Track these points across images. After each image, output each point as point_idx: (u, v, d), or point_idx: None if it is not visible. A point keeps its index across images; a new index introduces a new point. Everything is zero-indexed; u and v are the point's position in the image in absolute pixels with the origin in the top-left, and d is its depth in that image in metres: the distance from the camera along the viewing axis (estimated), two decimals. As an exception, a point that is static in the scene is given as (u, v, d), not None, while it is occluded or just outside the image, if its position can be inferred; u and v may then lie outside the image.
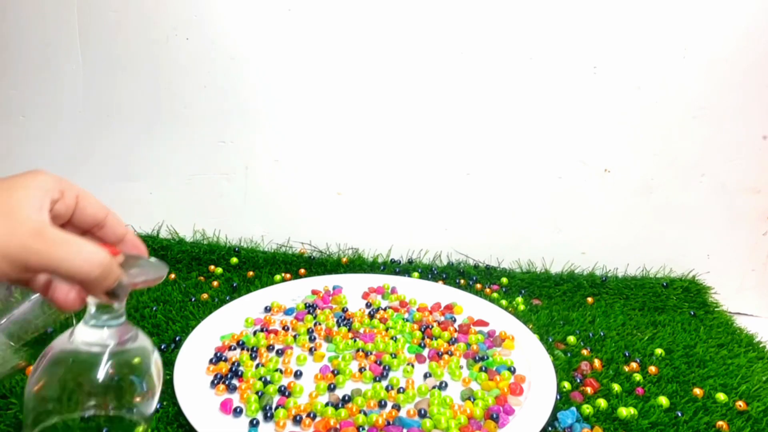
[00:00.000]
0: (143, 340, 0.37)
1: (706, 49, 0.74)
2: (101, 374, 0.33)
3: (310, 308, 0.66)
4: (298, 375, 0.54)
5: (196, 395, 0.49)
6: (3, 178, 0.30)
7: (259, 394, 0.50)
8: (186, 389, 0.49)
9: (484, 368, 0.56)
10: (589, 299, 0.76)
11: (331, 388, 0.52)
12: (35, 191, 0.30)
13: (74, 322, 0.54)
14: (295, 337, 0.61)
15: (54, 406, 0.33)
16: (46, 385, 0.33)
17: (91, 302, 0.34)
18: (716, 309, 0.77)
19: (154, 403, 0.36)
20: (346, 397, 0.50)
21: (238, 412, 0.48)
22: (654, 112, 0.77)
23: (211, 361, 0.55)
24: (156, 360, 0.37)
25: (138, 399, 0.35)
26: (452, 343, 0.61)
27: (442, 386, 0.53)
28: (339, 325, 0.63)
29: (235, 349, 0.58)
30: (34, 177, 0.31)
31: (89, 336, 0.34)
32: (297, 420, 0.47)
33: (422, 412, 0.49)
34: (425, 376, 0.55)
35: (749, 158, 0.78)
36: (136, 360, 0.35)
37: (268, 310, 0.66)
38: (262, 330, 0.62)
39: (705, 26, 0.73)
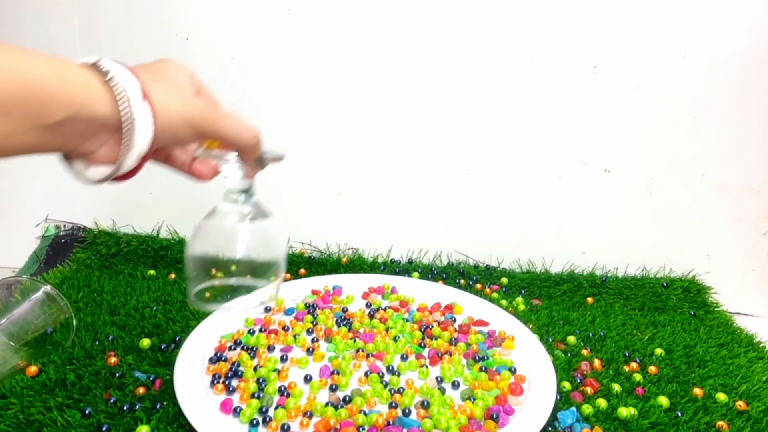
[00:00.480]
0: (273, 219, 0.43)
1: (706, 49, 0.74)
2: (239, 245, 0.40)
3: (310, 308, 0.66)
4: (297, 375, 0.54)
5: (196, 395, 0.49)
6: (145, 64, 0.37)
7: (258, 395, 0.50)
8: (186, 389, 0.49)
9: (484, 368, 0.56)
10: (589, 299, 0.76)
11: (333, 389, 0.52)
12: (186, 76, 0.38)
13: (74, 322, 0.54)
14: (295, 337, 0.61)
15: (205, 272, 0.40)
16: (195, 255, 0.41)
17: (232, 181, 0.41)
18: (716, 309, 0.77)
19: (282, 274, 0.42)
20: (347, 398, 0.50)
21: (237, 411, 0.48)
22: (654, 112, 0.77)
23: (211, 360, 0.55)
24: (282, 236, 0.43)
25: (268, 270, 0.41)
26: (452, 343, 0.61)
27: (442, 383, 0.53)
28: (339, 325, 0.63)
29: (234, 348, 0.58)
30: (176, 64, 0.39)
31: (229, 210, 0.42)
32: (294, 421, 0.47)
33: (425, 403, 0.49)
34: (424, 374, 0.55)
35: (749, 158, 0.78)
36: (267, 232, 0.42)
37: (268, 309, 0.66)
38: (262, 330, 0.62)
39: (705, 26, 0.73)
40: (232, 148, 0.38)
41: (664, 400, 0.53)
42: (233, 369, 0.54)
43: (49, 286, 0.54)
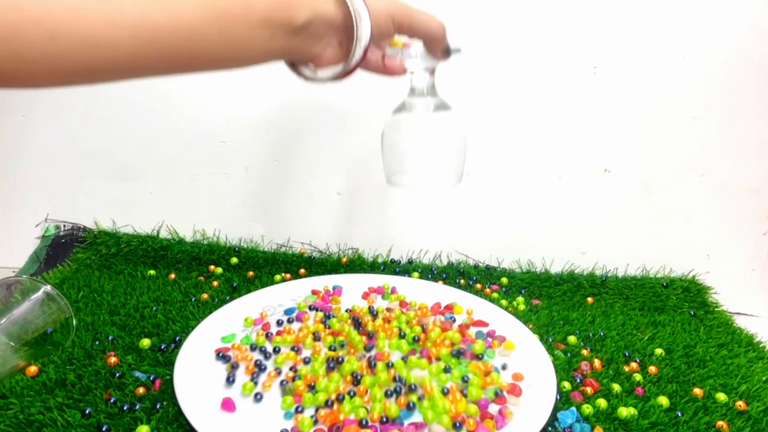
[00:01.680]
0: (454, 112, 0.50)
1: (706, 49, 0.74)
2: (427, 131, 0.49)
3: (325, 315, 0.66)
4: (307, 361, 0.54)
5: (196, 395, 0.49)
6: None
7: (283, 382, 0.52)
8: (186, 389, 0.49)
9: (482, 368, 0.56)
10: (589, 299, 0.76)
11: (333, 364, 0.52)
12: None
13: (74, 322, 0.54)
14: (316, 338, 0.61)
15: (397, 159, 0.49)
16: (388, 143, 0.50)
17: (416, 77, 0.48)
18: (716, 309, 0.77)
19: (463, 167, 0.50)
20: (351, 392, 0.51)
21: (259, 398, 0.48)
22: (654, 112, 0.77)
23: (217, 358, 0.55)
24: (463, 128, 0.50)
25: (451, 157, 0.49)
26: (452, 343, 0.61)
27: (441, 379, 0.53)
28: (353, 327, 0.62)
29: (255, 349, 0.58)
30: None
31: (415, 102, 0.50)
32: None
33: (419, 395, 0.49)
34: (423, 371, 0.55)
35: (749, 158, 0.78)
36: (449, 122, 0.49)
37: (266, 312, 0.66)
38: (266, 335, 0.61)
39: (705, 26, 0.73)
40: (424, 38, 0.44)
41: (664, 400, 0.53)
42: (234, 365, 0.54)
43: (49, 286, 0.54)
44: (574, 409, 0.51)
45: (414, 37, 0.44)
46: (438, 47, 0.45)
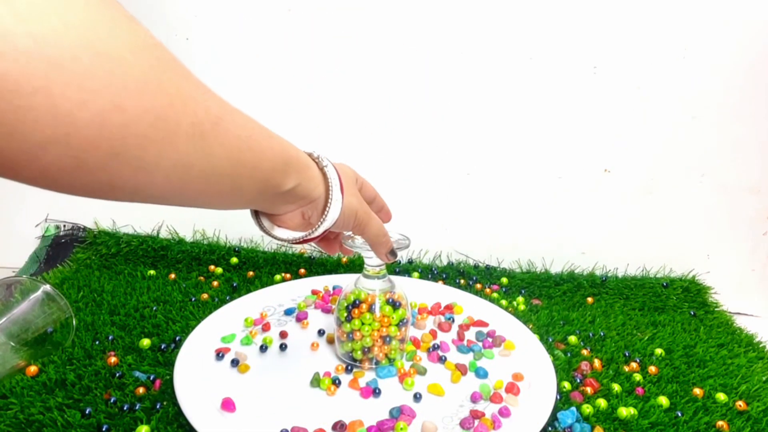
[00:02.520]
0: (401, 289, 0.56)
1: (706, 49, 0.74)
2: (376, 306, 0.54)
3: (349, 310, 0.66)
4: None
5: (196, 395, 0.49)
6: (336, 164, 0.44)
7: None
8: (186, 389, 0.49)
9: (481, 369, 0.56)
10: (589, 299, 0.76)
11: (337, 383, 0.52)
12: (355, 178, 0.48)
13: (74, 322, 0.54)
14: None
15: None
16: (338, 308, 0.55)
17: (368, 264, 0.55)
18: (716, 309, 0.77)
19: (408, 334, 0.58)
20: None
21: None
22: (654, 112, 0.77)
23: (216, 357, 0.55)
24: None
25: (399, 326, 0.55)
26: (451, 343, 0.61)
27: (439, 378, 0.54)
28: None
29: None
30: (350, 168, 0.48)
31: (368, 284, 0.55)
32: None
33: (417, 395, 0.50)
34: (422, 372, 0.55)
35: (749, 158, 0.78)
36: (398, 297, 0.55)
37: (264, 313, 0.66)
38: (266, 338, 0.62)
39: (705, 26, 0.73)
40: (370, 244, 0.48)
41: (664, 400, 0.53)
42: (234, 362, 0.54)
43: (48, 286, 0.54)
44: (574, 409, 0.51)
45: (363, 236, 0.47)
46: (381, 252, 0.49)
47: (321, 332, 0.62)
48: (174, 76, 0.26)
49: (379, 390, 0.52)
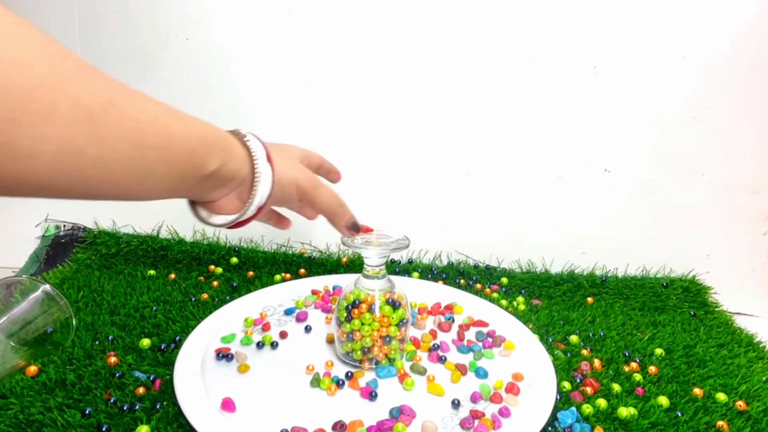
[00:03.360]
0: (401, 289, 0.56)
1: (706, 49, 0.74)
2: (376, 307, 0.54)
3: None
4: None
5: (196, 395, 0.49)
6: (270, 143, 0.42)
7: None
8: (186, 389, 0.49)
9: (481, 369, 0.56)
10: (589, 299, 0.76)
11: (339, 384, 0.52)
12: (300, 152, 0.47)
13: (74, 322, 0.54)
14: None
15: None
16: (338, 308, 0.55)
17: (368, 264, 0.54)
18: (716, 309, 0.77)
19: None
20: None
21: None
22: (654, 112, 0.77)
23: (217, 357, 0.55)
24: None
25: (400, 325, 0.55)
26: (451, 343, 0.61)
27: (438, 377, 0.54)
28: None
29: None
30: (294, 146, 0.47)
31: (367, 284, 0.55)
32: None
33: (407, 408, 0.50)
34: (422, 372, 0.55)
35: (749, 158, 0.78)
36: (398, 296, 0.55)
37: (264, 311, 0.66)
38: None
39: (705, 26, 0.73)
40: (325, 215, 0.47)
41: (664, 400, 0.53)
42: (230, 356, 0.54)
43: (48, 286, 0.54)
44: (574, 409, 0.51)
45: (315, 210, 0.46)
46: (340, 224, 0.48)
47: (308, 329, 0.62)
48: (45, 57, 0.24)
49: (376, 394, 0.52)
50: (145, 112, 0.30)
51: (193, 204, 0.41)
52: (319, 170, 0.51)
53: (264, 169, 0.39)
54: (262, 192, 0.39)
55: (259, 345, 0.59)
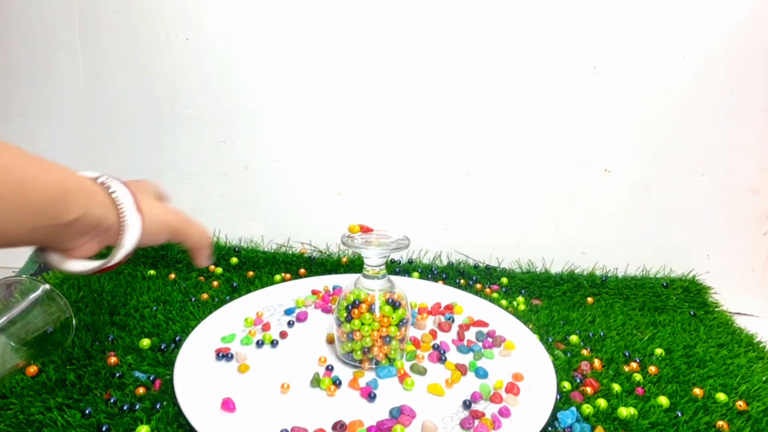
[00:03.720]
0: (400, 289, 0.56)
1: (706, 49, 0.74)
2: (376, 307, 0.54)
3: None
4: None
5: (196, 395, 0.49)
6: (129, 180, 0.42)
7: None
8: (186, 389, 0.49)
9: (481, 369, 0.56)
10: (589, 299, 0.76)
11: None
12: (156, 190, 0.46)
13: (74, 321, 0.54)
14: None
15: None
16: (338, 308, 0.55)
17: (368, 264, 0.55)
18: (716, 309, 0.77)
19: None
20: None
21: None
22: (654, 112, 0.77)
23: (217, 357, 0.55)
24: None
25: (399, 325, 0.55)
26: (451, 343, 0.61)
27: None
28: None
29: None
30: (149, 181, 0.46)
31: (367, 284, 0.55)
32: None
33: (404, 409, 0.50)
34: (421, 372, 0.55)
35: (749, 158, 0.78)
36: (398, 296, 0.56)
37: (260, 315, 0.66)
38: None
39: (705, 26, 0.73)
40: (191, 251, 0.46)
41: (664, 400, 0.53)
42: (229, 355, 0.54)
43: (48, 286, 0.54)
44: (574, 409, 0.51)
45: (184, 245, 0.46)
46: (201, 257, 0.47)
47: (288, 311, 0.63)
48: None
49: (375, 394, 0.52)
50: None
51: (43, 249, 0.39)
52: (162, 200, 0.50)
53: (132, 219, 0.39)
54: (130, 240, 0.39)
55: (259, 344, 0.59)
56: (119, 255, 0.39)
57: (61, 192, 0.34)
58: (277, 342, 0.60)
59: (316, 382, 0.53)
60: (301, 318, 0.65)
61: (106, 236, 0.39)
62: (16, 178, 0.30)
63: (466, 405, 0.50)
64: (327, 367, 0.55)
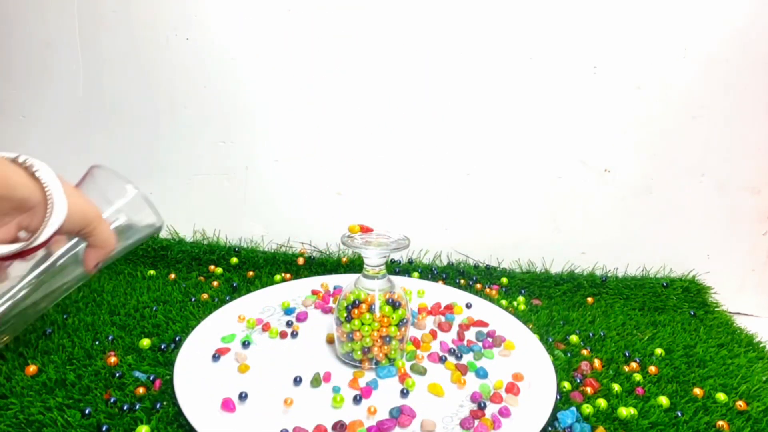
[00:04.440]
0: (401, 290, 0.57)
1: (706, 49, 0.74)
2: (376, 307, 0.54)
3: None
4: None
5: (196, 395, 0.49)
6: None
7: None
8: (186, 389, 0.49)
9: (481, 369, 0.56)
10: (589, 299, 0.76)
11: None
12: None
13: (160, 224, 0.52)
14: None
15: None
16: (338, 308, 0.55)
17: (368, 264, 0.55)
18: (716, 309, 0.77)
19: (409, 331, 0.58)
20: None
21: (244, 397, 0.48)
22: (654, 112, 0.77)
23: (214, 358, 0.55)
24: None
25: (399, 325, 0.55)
26: (451, 343, 0.61)
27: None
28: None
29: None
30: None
31: (367, 284, 0.55)
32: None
33: (404, 391, 0.50)
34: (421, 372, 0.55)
35: (749, 158, 0.78)
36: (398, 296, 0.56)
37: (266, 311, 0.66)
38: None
39: (705, 26, 0.73)
40: (91, 246, 0.43)
41: (664, 400, 0.53)
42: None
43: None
44: (574, 409, 0.51)
45: (89, 242, 0.43)
46: (95, 259, 0.44)
47: (288, 311, 0.63)
48: None
49: (375, 392, 0.52)
50: None
51: None
52: None
53: (59, 200, 0.38)
54: (55, 221, 0.37)
55: (259, 345, 0.59)
56: (44, 235, 0.37)
57: None
58: (277, 343, 0.60)
59: (316, 382, 0.53)
60: (301, 318, 0.65)
61: (28, 217, 0.38)
62: None
63: (481, 406, 0.50)
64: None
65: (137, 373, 0.52)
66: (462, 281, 0.78)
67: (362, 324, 0.53)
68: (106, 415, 0.46)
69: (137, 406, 0.48)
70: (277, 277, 0.76)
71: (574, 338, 0.63)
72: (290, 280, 0.76)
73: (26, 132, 0.81)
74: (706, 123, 0.77)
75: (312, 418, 0.48)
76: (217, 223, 0.84)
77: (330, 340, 0.60)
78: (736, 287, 0.83)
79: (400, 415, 0.49)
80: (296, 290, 0.71)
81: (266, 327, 0.62)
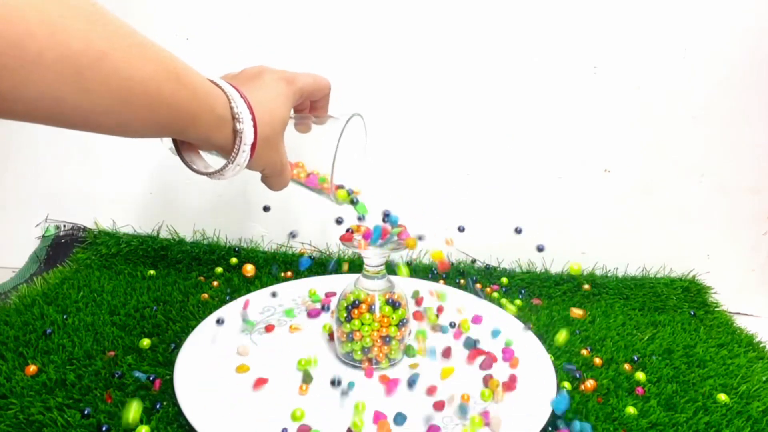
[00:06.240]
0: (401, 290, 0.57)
1: (706, 50, 0.74)
2: (376, 307, 0.54)
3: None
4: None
5: (196, 395, 0.49)
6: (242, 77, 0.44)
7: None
8: (186, 389, 0.49)
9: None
10: (586, 286, 0.76)
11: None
12: (276, 80, 0.44)
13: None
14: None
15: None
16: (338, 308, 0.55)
17: (367, 264, 0.55)
18: (716, 309, 0.77)
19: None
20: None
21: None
22: (654, 112, 0.77)
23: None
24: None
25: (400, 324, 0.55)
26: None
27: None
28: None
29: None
30: (267, 71, 0.44)
31: (367, 284, 0.55)
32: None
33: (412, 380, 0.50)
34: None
35: (749, 158, 0.78)
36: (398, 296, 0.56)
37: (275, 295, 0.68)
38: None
39: (705, 26, 0.73)
40: (322, 98, 0.48)
41: (664, 400, 0.53)
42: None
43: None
44: (564, 392, 0.50)
45: (314, 99, 0.47)
46: (276, 187, 0.49)
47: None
48: (42, 4, 0.25)
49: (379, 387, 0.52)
50: (138, 70, 0.30)
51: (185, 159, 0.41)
52: (313, 98, 0.50)
53: (242, 158, 0.39)
54: (236, 166, 0.39)
55: (259, 344, 0.59)
56: (229, 173, 0.39)
57: (189, 115, 0.34)
58: (276, 342, 0.60)
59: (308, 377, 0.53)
60: (302, 317, 0.65)
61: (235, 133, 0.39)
62: (151, 92, 0.31)
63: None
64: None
65: (137, 373, 0.52)
66: (462, 281, 0.78)
67: (362, 324, 0.53)
68: (106, 415, 0.46)
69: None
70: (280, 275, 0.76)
71: (575, 338, 0.63)
72: (292, 278, 0.76)
73: (26, 132, 0.81)
74: (706, 123, 0.77)
75: (312, 418, 0.48)
76: (217, 223, 0.84)
77: (330, 340, 0.60)
78: (736, 287, 0.83)
79: (404, 422, 0.48)
80: (296, 290, 0.71)
81: (269, 328, 0.62)
